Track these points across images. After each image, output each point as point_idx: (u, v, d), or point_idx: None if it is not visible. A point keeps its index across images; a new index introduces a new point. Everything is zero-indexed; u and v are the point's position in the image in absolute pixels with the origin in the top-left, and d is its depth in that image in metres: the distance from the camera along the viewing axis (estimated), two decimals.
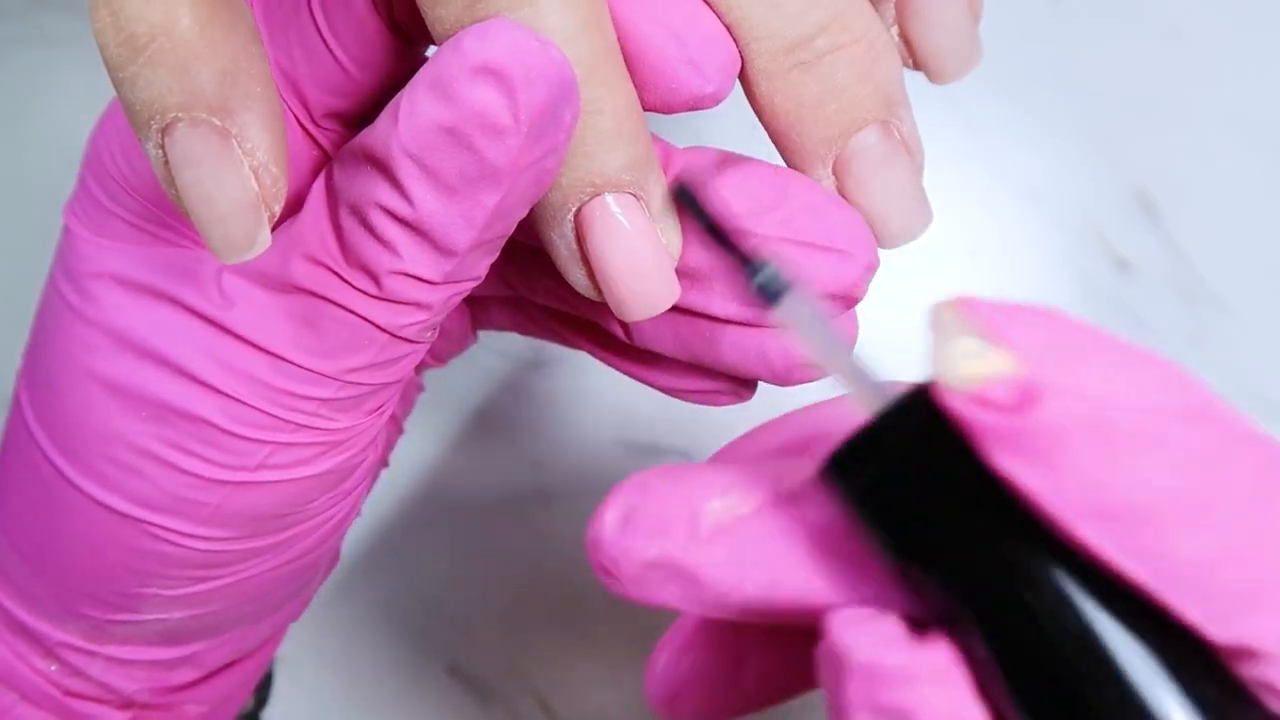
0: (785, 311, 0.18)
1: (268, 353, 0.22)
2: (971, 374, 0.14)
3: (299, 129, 0.23)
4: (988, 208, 0.43)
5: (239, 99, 0.19)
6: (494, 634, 0.40)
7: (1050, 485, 0.14)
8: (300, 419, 0.23)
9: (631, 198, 0.22)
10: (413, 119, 0.19)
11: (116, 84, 0.19)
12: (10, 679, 0.28)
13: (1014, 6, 0.43)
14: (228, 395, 0.23)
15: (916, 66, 0.24)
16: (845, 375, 0.16)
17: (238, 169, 0.19)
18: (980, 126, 0.42)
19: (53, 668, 0.27)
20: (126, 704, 0.28)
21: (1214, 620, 0.14)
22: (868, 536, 0.15)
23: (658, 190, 0.22)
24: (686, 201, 0.21)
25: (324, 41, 0.22)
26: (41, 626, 0.27)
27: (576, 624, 0.41)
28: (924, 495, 0.14)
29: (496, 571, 0.40)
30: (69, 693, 0.28)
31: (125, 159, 0.24)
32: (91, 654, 0.27)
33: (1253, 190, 0.42)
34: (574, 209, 0.22)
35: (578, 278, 0.23)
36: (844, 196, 0.23)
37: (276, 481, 0.24)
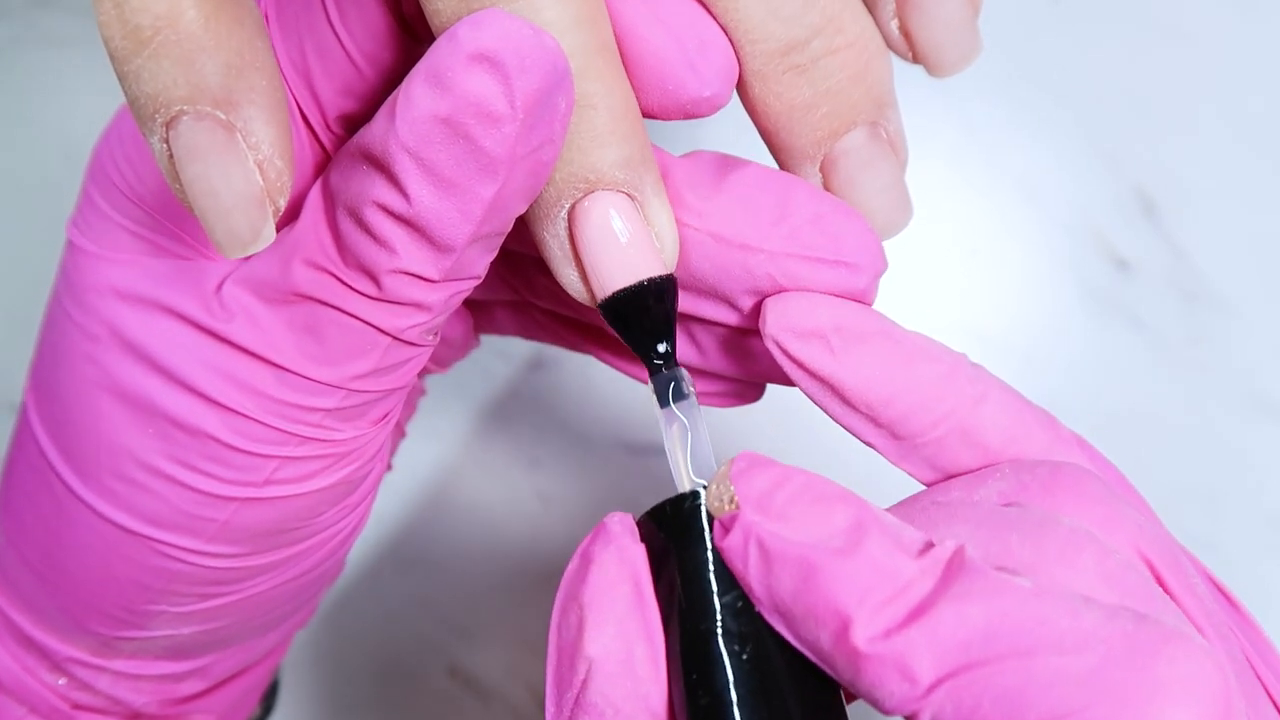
0: (671, 414, 0.22)
1: (270, 363, 0.22)
2: (714, 506, 0.20)
3: (310, 134, 0.23)
4: (987, 208, 0.43)
5: (244, 92, 0.19)
6: (494, 634, 0.40)
7: (743, 584, 0.20)
8: (305, 431, 0.23)
9: (625, 197, 0.22)
10: (409, 111, 0.19)
11: (121, 77, 0.19)
12: (19, 692, 0.27)
13: (1014, 6, 0.43)
14: (231, 409, 0.23)
15: (916, 60, 0.24)
16: (677, 479, 0.22)
17: (242, 162, 0.19)
18: (980, 126, 0.42)
19: (60, 681, 0.27)
20: (134, 716, 0.28)
21: (862, 696, 0.19)
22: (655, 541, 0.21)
23: (653, 192, 0.22)
24: (611, 310, 0.22)
25: (336, 35, 0.22)
26: (49, 641, 0.27)
27: None
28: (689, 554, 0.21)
29: (496, 572, 0.40)
30: (77, 705, 0.28)
31: (129, 164, 0.24)
32: (99, 669, 0.27)
33: (1253, 190, 0.42)
34: (568, 206, 0.22)
35: (570, 280, 0.22)
36: (830, 193, 0.24)
37: (284, 497, 0.24)
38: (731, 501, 0.20)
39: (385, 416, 0.24)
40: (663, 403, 0.22)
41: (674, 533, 0.20)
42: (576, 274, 0.22)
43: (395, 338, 0.22)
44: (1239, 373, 0.42)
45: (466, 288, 0.22)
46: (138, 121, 0.19)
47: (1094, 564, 0.20)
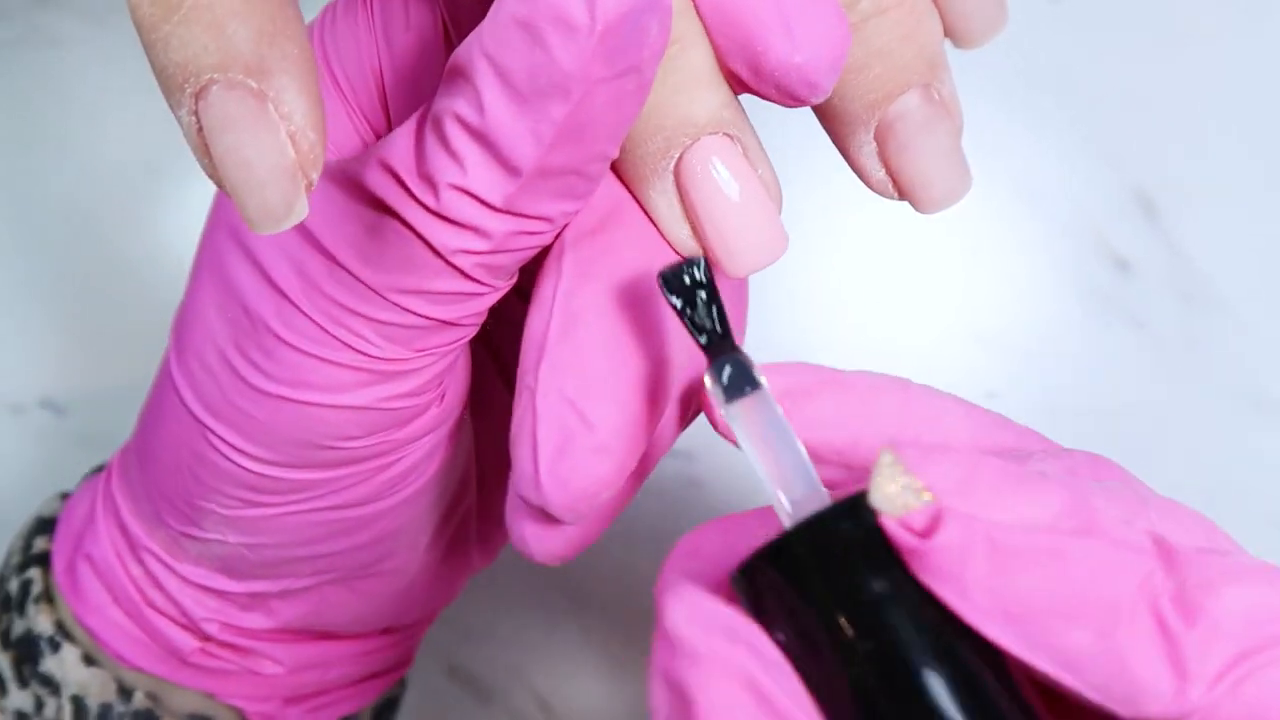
0: (739, 410, 0.20)
1: (328, 254, 0.22)
2: (897, 504, 0.17)
3: (450, 52, 0.22)
4: (988, 208, 0.43)
5: (276, 59, 0.18)
6: (494, 634, 0.40)
7: (954, 593, 0.17)
8: (344, 335, 0.23)
9: (731, 140, 0.21)
10: (495, 14, 0.19)
11: (148, 47, 0.18)
12: (107, 577, 0.28)
13: (1014, 6, 0.43)
14: (285, 295, 0.22)
15: (943, 32, 0.24)
16: (780, 490, 0.19)
17: (275, 133, 0.18)
18: (980, 126, 0.42)
19: (138, 572, 0.28)
20: (203, 637, 0.28)
21: (1113, 702, 0.17)
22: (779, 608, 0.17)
23: (750, 132, 0.22)
24: (667, 281, 0.20)
25: None
26: (136, 529, 0.28)
27: (576, 624, 0.41)
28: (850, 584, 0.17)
29: (496, 572, 0.40)
30: (149, 603, 0.28)
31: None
32: (169, 568, 0.28)
33: (1253, 190, 0.42)
34: (676, 156, 0.21)
35: (682, 235, 0.22)
36: (886, 161, 0.23)
37: (315, 404, 0.23)
38: (921, 495, 0.17)
39: (432, 350, 0.23)
40: (727, 399, 0.20)
41: (821, 560, 0.17)
42: (688, 231, 0.22)
43: (446, 261, 0.21)
44: (1239, 373, 0.42)
45: (533, 230, 0.21)
46: (165, 94, 0.19)
47: (1236, 548, 0.19)
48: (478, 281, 0.22)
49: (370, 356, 0.23)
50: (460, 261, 0.21)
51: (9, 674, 0.29)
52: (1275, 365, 0.41)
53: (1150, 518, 0.19)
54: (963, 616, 0.17)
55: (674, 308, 0.20)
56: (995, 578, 0.17)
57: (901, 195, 0.24)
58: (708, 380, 0.20)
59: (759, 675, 0.17)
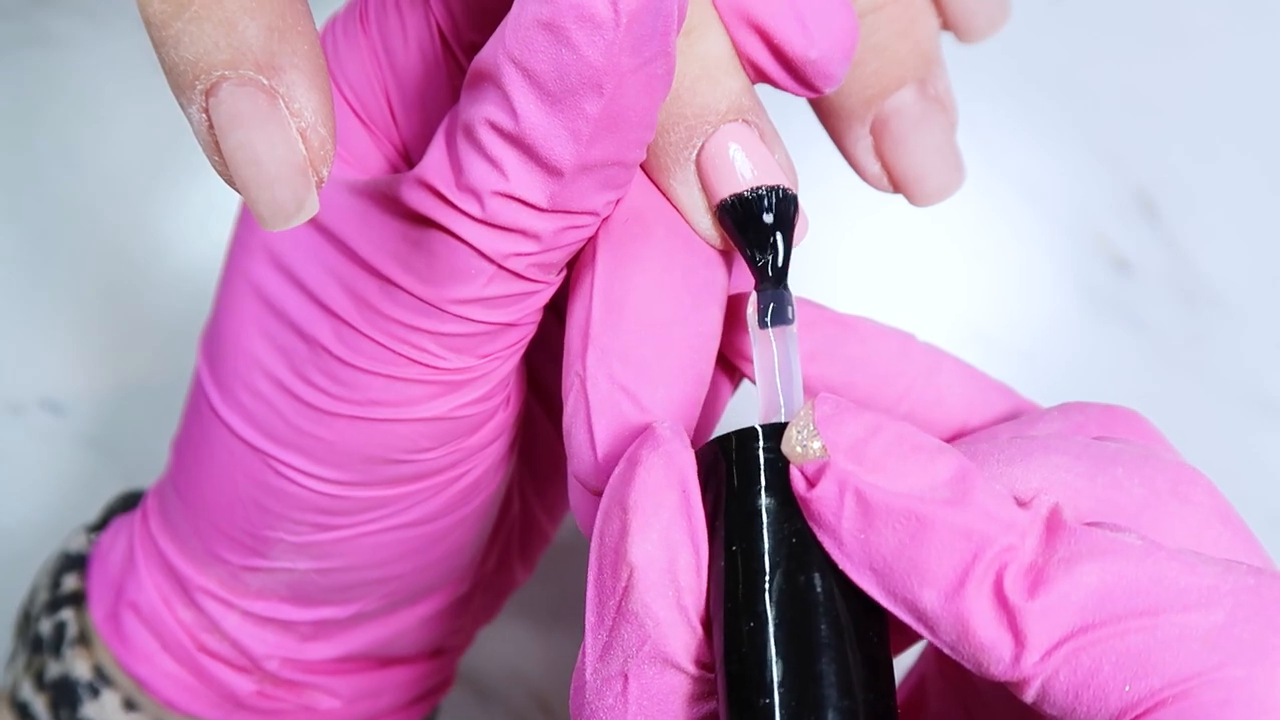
0: (765, 336, 0.21)
1: (379, 275, 0.22)
2: (796, 452, 0.19)
3: (451, 60, 0.23)
4: (988, 208, 0.43)
5: (287, 56, 0.18)
6: (494, 634, 0.40)
7: (830, 540, 0.19)
8: (409, 352, 0.23)
9: (749, 127, 0.21)
10: (516, 19, 0.19)
11: (158, 44, 0.18)
12: (155, 624, 0.28)
13: (1014, 7, 0.43)
14: (341, 318, 0.22)
15: (946, 26, 0.24)
16: (766, 405, 0.21)
17: (285, 130, 0.18)
18: (980, 126, 0.42)
19: (189, 616, 0.27)
20: (255, 670, 0.28)
21: (964, 660, 0.18)
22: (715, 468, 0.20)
23: (766, 117, 0.22)
24: (734, 210, 0.21)
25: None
26: (187, 569, 0.27)
27: (576, 624, 0.41)
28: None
29: None
30: (202, 647, 0.28)
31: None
32: (228, 605, 0.27)
33: (1253, 190, 0.42)
34: (698, 145, 0.21)
35: (705, 224, 0.22)
36: (881, 155, 0.24)
37: (387, 420, 0.23)
38: (817, 448, 0.19)
39: (497, 354, 0.23)
40: (760, 323, 0.21)
41: (737, 461, 0.19)
42: (710, 221, 0.22)
43: (500, 266, 0.21)
44: (1239, 373, 0.42)
45: (580, 224, 0.21)
46: (175, 91, 0.18)
47: (1207, 500, 0.20)
48: (533, 280, 0.22)
49: (438, 369, 0.23)
50: (513, 265, 0.21)
51: (45, 717, 0.28)
52: (1275, 365, 0.41)
53: (1096, 483, 0.20)
54: (838, 563, 0.19)
55: (743, 236, 0.21)
56: (863, 533, 0.18)
57: (896, 189, 0.24)
58: (751, 303, 0.21)
59: (690, 485, 0.19)
